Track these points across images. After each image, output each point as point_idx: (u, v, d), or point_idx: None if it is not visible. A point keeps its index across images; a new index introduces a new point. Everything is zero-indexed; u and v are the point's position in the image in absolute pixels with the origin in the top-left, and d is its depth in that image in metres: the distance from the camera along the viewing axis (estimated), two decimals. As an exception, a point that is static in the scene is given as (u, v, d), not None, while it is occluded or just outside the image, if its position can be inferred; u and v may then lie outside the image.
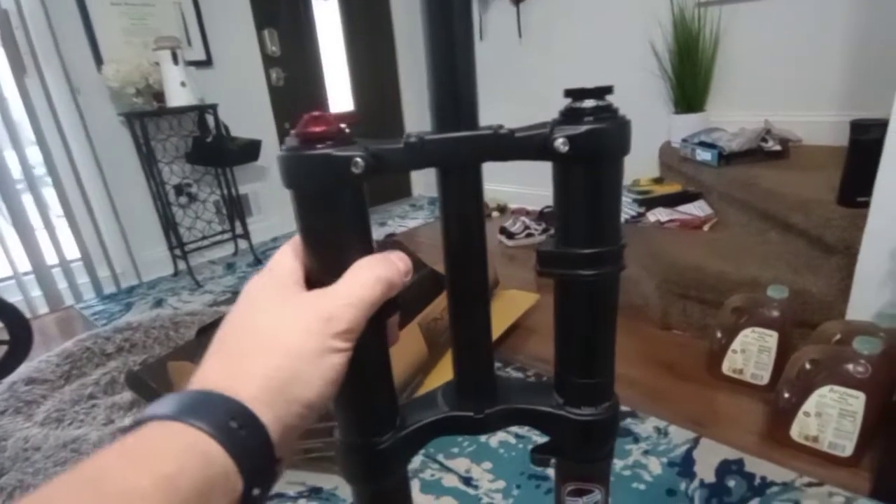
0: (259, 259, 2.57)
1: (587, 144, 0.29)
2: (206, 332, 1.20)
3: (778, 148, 1.67)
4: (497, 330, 1.43)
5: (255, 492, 0.23)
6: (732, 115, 2.01)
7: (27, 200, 2.17)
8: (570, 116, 0.30)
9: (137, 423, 0.23)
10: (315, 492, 1.05)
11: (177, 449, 0.22)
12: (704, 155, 1.75)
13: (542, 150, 0.30)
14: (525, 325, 1.55)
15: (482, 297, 0.36)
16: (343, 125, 0.29)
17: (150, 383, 1.09)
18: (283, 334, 0.27)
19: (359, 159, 0.28)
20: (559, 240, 0.33)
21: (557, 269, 0.33)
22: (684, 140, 1.87)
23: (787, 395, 1.13)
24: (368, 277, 0.29)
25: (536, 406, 0.37)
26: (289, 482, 1.08)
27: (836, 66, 1.77)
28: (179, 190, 2.50)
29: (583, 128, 0.29)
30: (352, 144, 0.28)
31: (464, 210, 0.33)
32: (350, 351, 0.28)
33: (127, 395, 1.17)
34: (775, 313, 1.25)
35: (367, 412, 0.34)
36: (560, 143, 0.29)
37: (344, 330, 0.27)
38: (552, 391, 0.37)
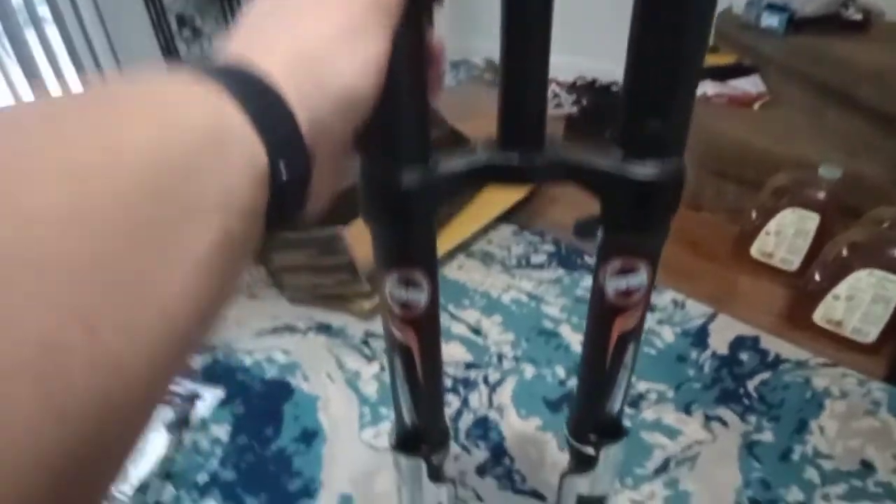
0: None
1: None
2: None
3: (859, 17, 1.47)
4: (514, 197, 1.36)
5: (283, 165, 0.20)
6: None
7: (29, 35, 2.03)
8: None
9: None
10: (324, 328, 1.05)
11: (180, 90, 0.18)
12: (771, 20, 1.54)
13: None
14: (546, 194, 1.48)
15: (545, 6, 0.28)
16: None
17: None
18: (311, 6, 0.23)
19: None
20: None
21: None
22: (749, 2, 1.65)
23: (818, 278, 1.07)
24: None
25: (592, 161, 0.32)
26: (297, 317, 1.07)
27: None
28: (182, 21, 2.31)
29: None
30: None
31: None
32: (389, 37, 0.24)
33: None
34: (821, 195, 1.16)
35: (394, 134, 0.29)
36: None
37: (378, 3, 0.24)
38: (611, 147, 0.32)
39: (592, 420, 0.44)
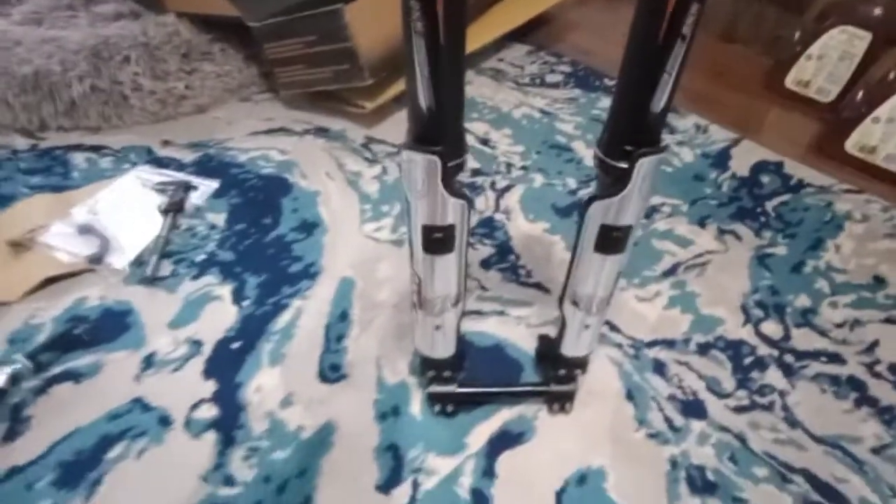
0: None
1: None
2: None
3: None
4: (535, 10, 1.22)
5: None
6: None
7: None
8: None
9: None
10: (322, 131, 0.98)
11: None
12: None
13: None
14: (567, 19, 1.34)
15: None
16: None
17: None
18: None
19: None
20: None
21: None
22: None
23: (858, 101, 0.99)
24: None
25: None
26: (293, 120, 1.00)
27: None
28: None
29: None
30: None
31: None
32: None
33: (111, 7, 1.02)
34: (878, 10, 1.03)
35: None
36: None
37: None
38: None
39: (632, 123, 0.38)
